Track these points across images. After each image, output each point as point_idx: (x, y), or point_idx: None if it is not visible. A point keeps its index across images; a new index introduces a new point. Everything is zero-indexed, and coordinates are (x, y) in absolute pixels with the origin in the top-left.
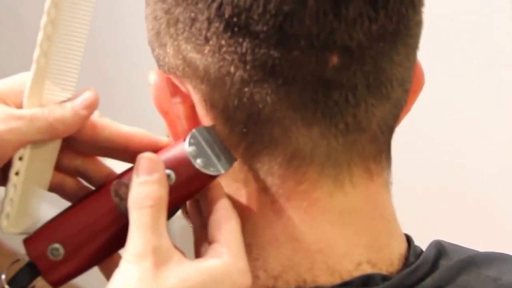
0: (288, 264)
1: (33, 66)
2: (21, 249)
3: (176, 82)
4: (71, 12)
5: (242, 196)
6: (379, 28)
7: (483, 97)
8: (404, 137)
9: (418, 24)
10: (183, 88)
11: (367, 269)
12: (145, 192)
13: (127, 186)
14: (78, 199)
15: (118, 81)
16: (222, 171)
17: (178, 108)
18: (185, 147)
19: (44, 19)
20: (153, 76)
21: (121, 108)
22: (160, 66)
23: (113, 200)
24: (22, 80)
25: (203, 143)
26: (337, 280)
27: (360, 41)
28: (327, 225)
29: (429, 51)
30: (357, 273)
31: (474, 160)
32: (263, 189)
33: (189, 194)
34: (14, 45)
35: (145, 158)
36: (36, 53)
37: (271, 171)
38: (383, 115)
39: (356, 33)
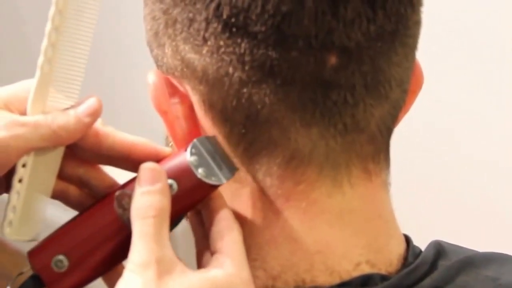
0: (287, 264)
1: (37, 73)
2: (23, 248)
3: (175, 82)
4: (76, 19)
5: (241, 197)
6: (378, 28)
7: (482, 97)
8: (403, 137)
9: (417, 24)
10: (181, 88)
11: (366, 269)
12: (147, 202)
13: (129, 197)
14: (81, 210)
15: (117, 81)
16: (224, 181)
17: (177, 108)
18: (186, 157)
19: (48, 26)
20: (151, 76)
21: (121, 109)
22: (158, 66)
23: (116, 211)
24: (26, 87)
25: (205, 153)
26: (336, 281)
27: (358, 41)
28: (325, 226)
29: (428, 51)
30: (356, 273)
31: (473, 160)
32: (262, 190)
33: (191, 204)
34: (14, 46)
35: (147, 168)
36: (40, 60)
37: (269, 172)
38: (381, 115)
39: (354, 34)
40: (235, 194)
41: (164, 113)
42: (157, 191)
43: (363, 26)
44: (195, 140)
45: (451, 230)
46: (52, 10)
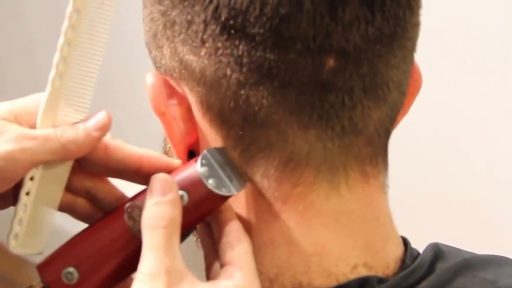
0: (284, 267)
1: (48, 87)
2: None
3: (173, 83)
4: (88, 34)
5: (238, 199)
6: (376, 31)
7: (481, 99)
8: (402, 139)
9: (415, 26)
10: (179, 90)
11: (363, 272)
12: (158, 213)
13: (140, 208)
14: (89, 222)
15: (116, 82)
16: (234, 192)
17: (175, 110)
18: (197, 168)
19: (61, 40)
20: (150, 77)
21: (119, 110)
22: (157, 68)
23: (126, 223)
24: (36, 100)
25: (215, 164)
26: (333, 283)
27: (357, 44)
28: (322, 228)
29: (427, 53)
30: (353, 275)
31: (472, 163)
32: (259, 192)
33: (201, 215)
34: (14, 45)
35: (159, 179)
36: (52, 74)
37: (267, 174)
38: (379, 118)
39: (352, 36)
40: (233, 197)
41: (162, 114)
42: (168, 202)
43: (362, 28)
44: (205, 151)
45: (449, 232)
46: (65, 24)
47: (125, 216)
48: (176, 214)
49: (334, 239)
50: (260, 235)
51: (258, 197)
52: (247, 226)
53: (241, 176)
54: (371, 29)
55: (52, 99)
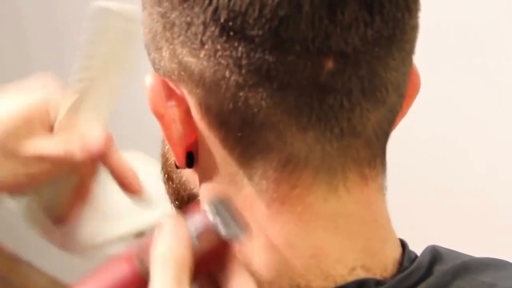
0: (282, 269)
1: (71, 96)
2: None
3: (172, 85)
4: (112, 47)
5: (237, 201)
6: (375, 33)
7: (480, 100)
8: (400, 141)
9: (414, 28)
10: (178, 92)
11: (361, 274)
12: (169, 250)
13: (149, 249)
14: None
15: None
16: (241, 239)
17: (173, 111)
18: (206, 213)
19: (84, 53)
20: (149, 79)
21: (118, 111)
22: (156, 69)
23: (135, 264)
24: (45, 98)
25: (222, 212)
26: (331, 285)
27: (355, 46)
28: (320, 230)
29: (425, 54)
30: (351, 278)
31: (470, 165)
32: (258, 193)
33: (208, 260)
34: (14, 45)
35: (170, 218)
36: (76, 84)
37: (265, 175)
38: (378, 120)
39: (351, 38)
40: (232, 198)
41: (160, 116)
42: (179, 242)
43: (360, 30)
44: (212, 199)
45: (448, 234)
46: (87, 38)
47: (134, 258)
48: (186, 254)
49: (333, 242)
50: (258, 237)
51: (256, 198)
52: None
53: (244, 223)
54: (370, 31)
55: (74, 108)
